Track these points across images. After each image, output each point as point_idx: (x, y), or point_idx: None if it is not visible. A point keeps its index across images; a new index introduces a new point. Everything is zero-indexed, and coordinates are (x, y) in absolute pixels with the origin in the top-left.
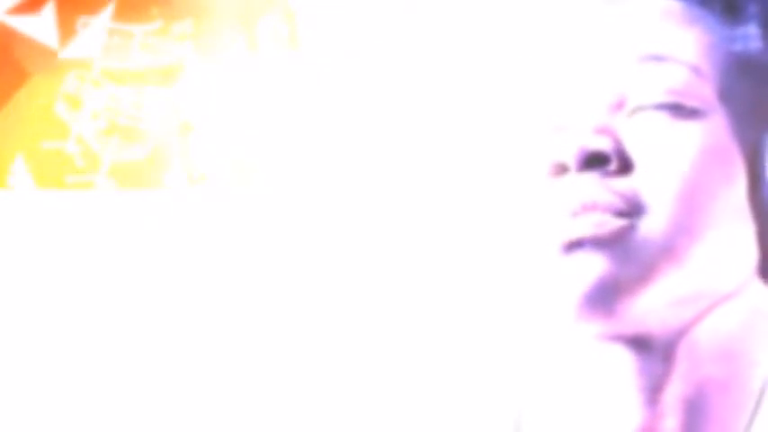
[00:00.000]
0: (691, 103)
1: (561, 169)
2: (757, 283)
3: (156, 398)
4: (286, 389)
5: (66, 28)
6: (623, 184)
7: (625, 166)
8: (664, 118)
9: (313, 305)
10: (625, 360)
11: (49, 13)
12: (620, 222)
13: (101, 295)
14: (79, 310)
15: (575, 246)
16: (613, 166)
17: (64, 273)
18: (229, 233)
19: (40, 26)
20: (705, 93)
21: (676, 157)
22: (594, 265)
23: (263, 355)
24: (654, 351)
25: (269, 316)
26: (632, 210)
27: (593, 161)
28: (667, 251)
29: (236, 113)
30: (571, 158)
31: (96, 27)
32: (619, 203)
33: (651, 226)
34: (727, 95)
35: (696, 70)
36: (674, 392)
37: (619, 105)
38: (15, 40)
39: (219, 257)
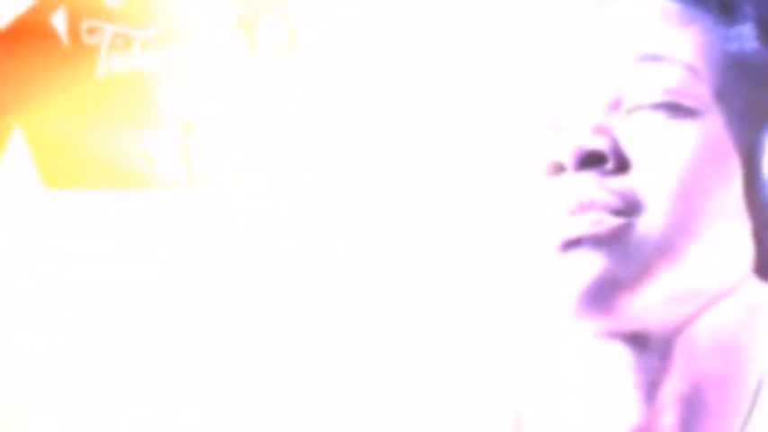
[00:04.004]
0: (687, 102)
1: (558, 168)
2: (753, 280)
3: (153, 399)
4: (285, 390)
5: (73, 32)
6: (620, 182)
7: (622, 166)
8: (660, 117)
9: (312, 305)
10: (623, 357)
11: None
12: (617, 221)
13: (99, 296)
14: (77, 311)
15: (572, 244)
16: (610, 165)
17: (64, 273)
18: (229, 234)
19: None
20: (701, 92)
21: (673, 156)
22: (592, 264)
23: (261, 357)
24: (651, 348)
25: (268, 316)
26: (629, 208)
27: (591, 160)
28: (664, 249)
29: (237, 115)
30: (568, 158)
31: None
32: (616, 202)
33: (648, 224)
34: (723, 95)
35: (692, 70)
36: (672, 389)
37: (615, 105)
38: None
39: (219, 259)
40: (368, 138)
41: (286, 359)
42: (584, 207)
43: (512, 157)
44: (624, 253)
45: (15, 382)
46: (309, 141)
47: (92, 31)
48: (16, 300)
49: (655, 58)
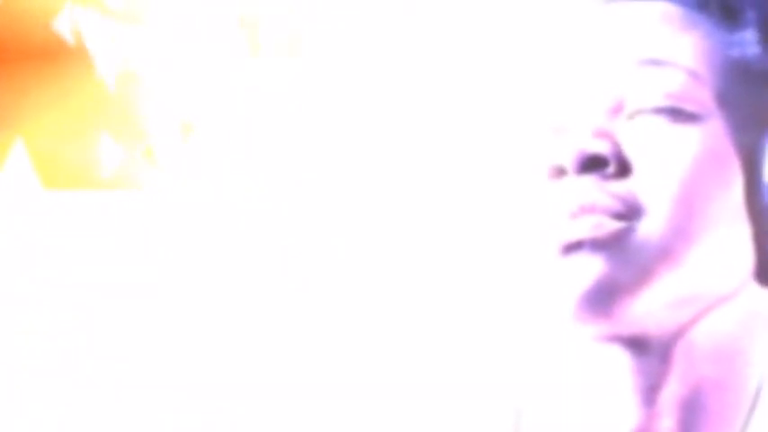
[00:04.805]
0: (689, 107)
1: (560, 172)
2: (754, 285)
3: (153, 400)
4: (285, 390)
5: (73, 32)
6: (621, 186)
7: (623, 170)
8: (662, 122)
9: (312, 306)
10: (622, 361)
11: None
12: (618, 225)
13: (99, 296)
14: (77, 311)
15: (573, 247)
16: (612, 169)
17: (63, 274)
18: (229, 234)
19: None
20: (703, 97)
21: (674, 160)
22: (593, 267)
23: (261, 357)
24: (651, 352)
25: (269, 316)
26: (630, 212)
27: (592, 164)
28: (665, 253)
29: (237, 115)
30: (569, 161)
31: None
32: (617, 206)
33: (649, 228)
34: (724, 100)
35: (694, 75)
36: (671, 393)
37: (617, 109)
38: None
39: (219, 259)
40: (369, 139)
41: (286, 360)
42: (585, 210)
43: (513, 159)
44: (624, 257)
45: (15, 383)
46: (310, 141)
47: (92, 30)
48: (15, 300)
49: (657, 62)
